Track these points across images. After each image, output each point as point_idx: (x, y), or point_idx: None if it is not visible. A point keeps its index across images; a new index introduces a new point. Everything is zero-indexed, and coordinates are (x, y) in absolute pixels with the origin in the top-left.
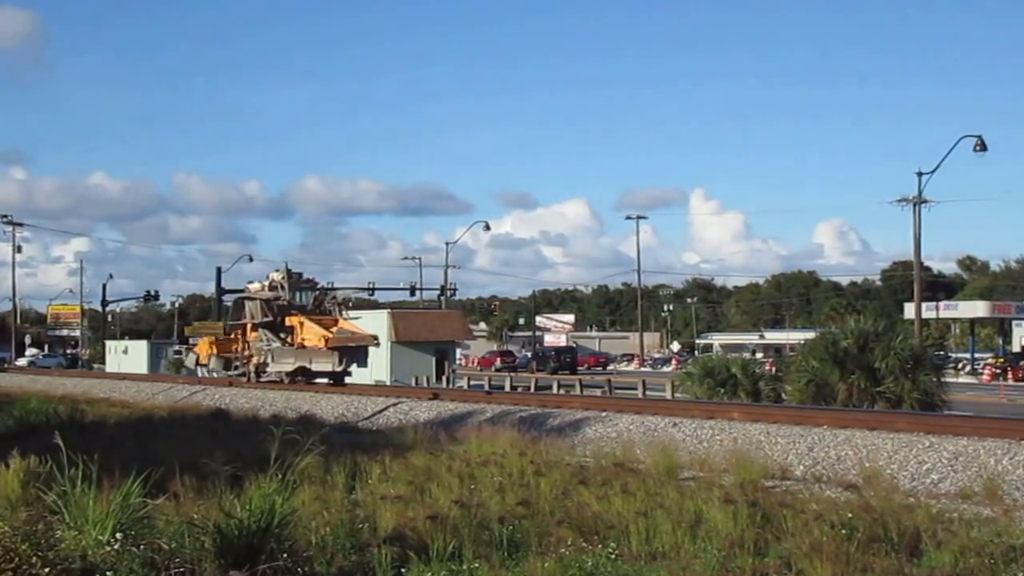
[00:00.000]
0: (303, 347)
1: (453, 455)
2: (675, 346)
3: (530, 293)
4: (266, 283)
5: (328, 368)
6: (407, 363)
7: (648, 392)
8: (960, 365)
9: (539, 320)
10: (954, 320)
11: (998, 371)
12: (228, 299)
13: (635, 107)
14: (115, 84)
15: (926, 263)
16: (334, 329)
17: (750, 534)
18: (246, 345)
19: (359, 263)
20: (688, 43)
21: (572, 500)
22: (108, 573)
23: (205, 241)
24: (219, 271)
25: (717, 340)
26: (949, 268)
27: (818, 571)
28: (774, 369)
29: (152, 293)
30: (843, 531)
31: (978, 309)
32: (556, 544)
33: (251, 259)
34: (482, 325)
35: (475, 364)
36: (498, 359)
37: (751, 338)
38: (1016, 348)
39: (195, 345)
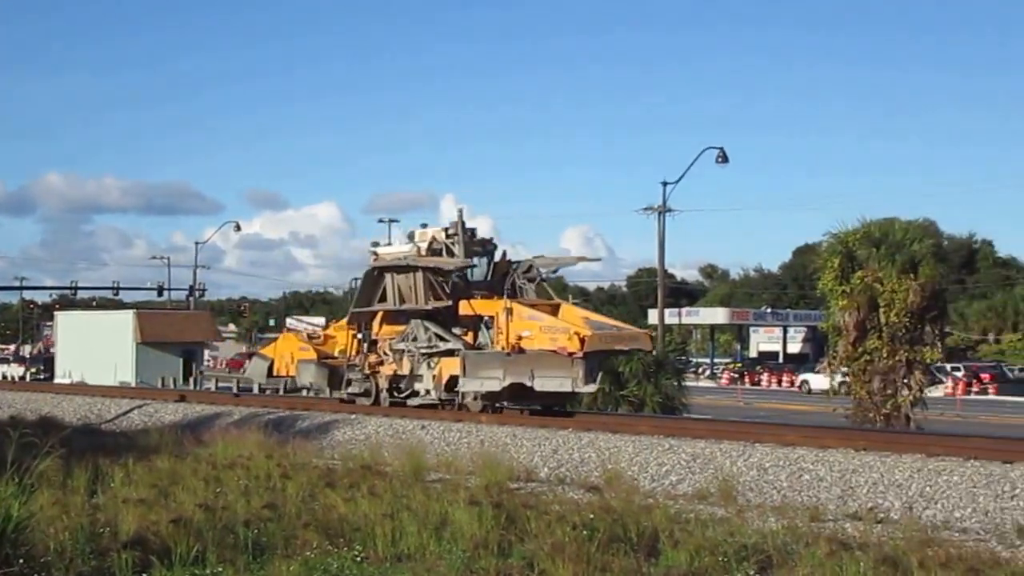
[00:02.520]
0: (520, 350)
1: (199, 458)
2: (260, 348)
3: (281, 294)
4: (415, 244)
5: (564, 386)
6: (153, 364)
7: None
8: (700, 369)
9: (290, 322)
10: (696, 326)
11: (736, 375)
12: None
13: (384, 111)
14: None
15: (670, 270)
16: (572, 320)
17: (494, 535)
18: (368, 347)
19: (104, 262)
20: (433, 48)
21: (319, 503)
22: None
23: None
24: None
25: None
26: (691, 275)
27: (560, 571)
28: None
29: None
30: (585, 532)
31: (718, 316)
32: (302, 547)
33: None
34: (231, 326)
35: (224, 366)
36: (247, 361)
37: None
38: (754, 353)
39: (265, 346)
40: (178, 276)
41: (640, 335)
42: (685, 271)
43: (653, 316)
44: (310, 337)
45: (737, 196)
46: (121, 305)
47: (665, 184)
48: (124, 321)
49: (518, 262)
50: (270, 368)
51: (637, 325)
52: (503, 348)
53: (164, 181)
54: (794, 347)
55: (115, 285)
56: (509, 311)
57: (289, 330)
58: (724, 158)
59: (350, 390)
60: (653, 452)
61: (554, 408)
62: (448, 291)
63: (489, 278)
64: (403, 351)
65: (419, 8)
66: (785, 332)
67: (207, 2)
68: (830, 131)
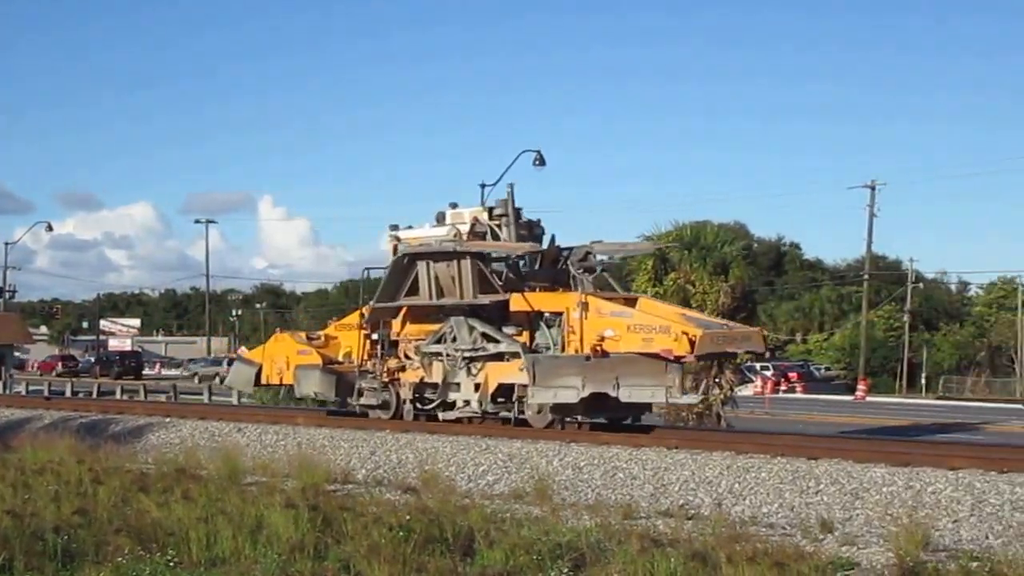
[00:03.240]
0: (603, 354)
1: (7, 463)
2: (243, 351)
3: (94, 296)
4: (452, 227)
5: (657, 396)
6: None
7: (215, 397)
8: None
9: (103, 324)
10: None
11: None
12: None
13: (204, 110)
14: None
15: None
16: (665, 315)
17: (311, 538)
18: (388, 350)
19: None
20: (250, 48)
21: (132, 507)
22: None
23: None
24: None
25: None
26: None
27: (375, 573)
28: None
29: None
30: (401, 533)
31: None
32: (113, 553)
33: None
34: (43, 329)
35: (35, 369)
36: (59, 364)
37: None
38: None
39: (250, 348)
40: None
41: (752, 334)
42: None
43: None
44: (309, 338)
45: (555, 199)
46: None
47: (483, 186)
48: None
49: (570, 248)
50: (257, 375)
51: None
52: (577, 351)
53: None
54: None
55: None
56: (584, 306)
57: (283, 330)
58: (541, 161)
59: (363, 401)
60: (470, 452)
61: (628, 422)
62: (501, 283)
63: (537, 267)
64: (434, 354)
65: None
66: None
67: None
68: (647, 138)
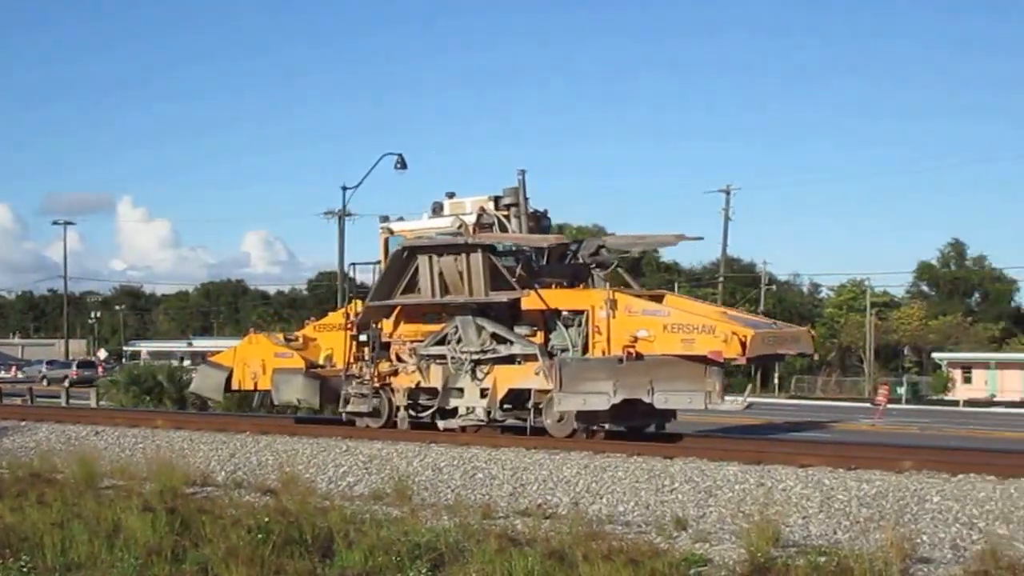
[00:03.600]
0: (637, 356)
1: None
2: (102, 353)
3: None
4: (457, 218)
5: (695, 402)
6: None
7: (73, 401)
8: None
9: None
10: None
11: None
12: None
13: (61, 107)
14: None
15: (350, 274)
16: (705, 313)
17: (168, 541)
18: (378, 352)
19: None
20: (110, 43)
21: None
22: None
23: None
24: None
25: (145, 348)
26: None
27: (234, 575)
28: None
29: None
30: (260, 535)
31: None
32: None
33: None
34: None
35: None
36: None
37: (179, 346)
38: None
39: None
40: None
41: (801, 334)
42: (365, 275)
43: None
44: (287, 340)
45: (417, 201)
46: None
47: (345, 188)
48: None
49: (579, 242)
50: (228, 380)
51: None
52: (604, 352)
53: None
54: None
55: None
56: (613, 304)
57: (257, 331)
58: (403, 164)
59: (350, 409)
60: (331, 454)
61: (652, 430)
62: (515, 279)
63: (545, 262)
64: (434, 357)
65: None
66: None
67: None
68: (496, 140)
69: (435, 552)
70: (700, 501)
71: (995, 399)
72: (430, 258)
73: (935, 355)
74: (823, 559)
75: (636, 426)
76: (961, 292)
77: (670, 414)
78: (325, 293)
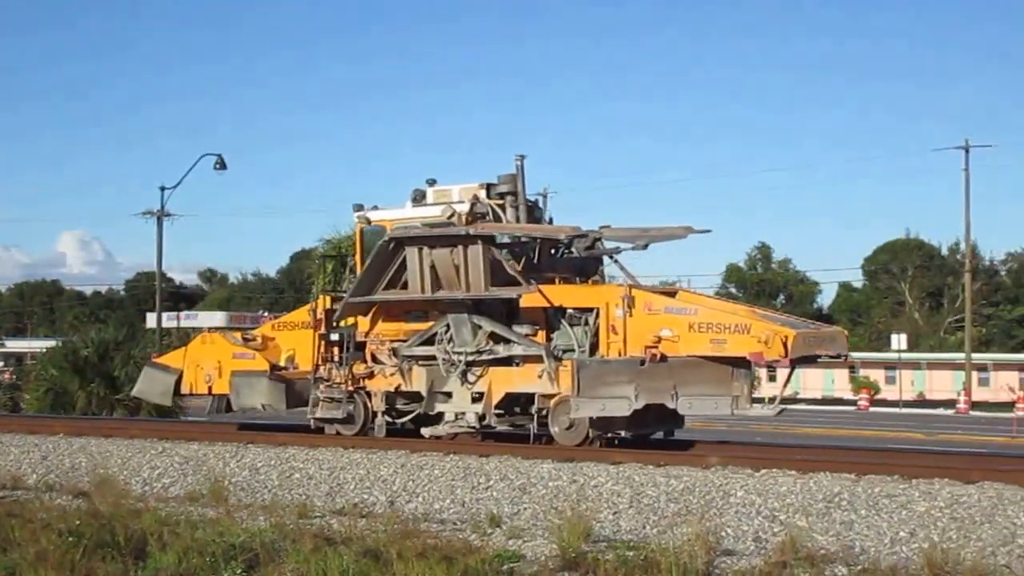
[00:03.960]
0: (661, 358)
1: None
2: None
3: None
4: (448, 207)
5: (721, 408)
6: None
7: None
8: None
9: None
10: (194, 329)
11: None
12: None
13: None
14: None
15: (169, 274)
16: (735, 312)
17: None
18: (351, 352)
19: None
20: None
21: None
22: None
23: None
24: None
25: None
26: (191, 280)
27: None
28: (14, 377)
29: None
30: (71, 538)
31: (216, 319)
32: None
33: None
34: None
35: None
36: None
37: None
38: None
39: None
40: None
41: (837, 334)
42: (184, 275)
43: (151, 320)
44: (245, 339)
45: (238, 201)
46: None
47: (163, 189)
48: None
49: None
50: (177, 383)
51: (133, 329)
52: (620, 353)
53: None
54: None
55: None
56: (630, 301)
57: (212, 329)
58: (222, 164)
59: (320, 414)
60: (146, 455)
61: (658, 436)
62: (517, 274)
63: (537, 257)
64: (419, 358)
65: None
66: None
67: None
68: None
69: (250, 553)
70: (514, 498)
71: (798, 396)
72: (420, 250)
73: None
74: (632, 553)
75: (644, 434)
76: (767, 293)
77: (680, 420)
78: (143, 294)
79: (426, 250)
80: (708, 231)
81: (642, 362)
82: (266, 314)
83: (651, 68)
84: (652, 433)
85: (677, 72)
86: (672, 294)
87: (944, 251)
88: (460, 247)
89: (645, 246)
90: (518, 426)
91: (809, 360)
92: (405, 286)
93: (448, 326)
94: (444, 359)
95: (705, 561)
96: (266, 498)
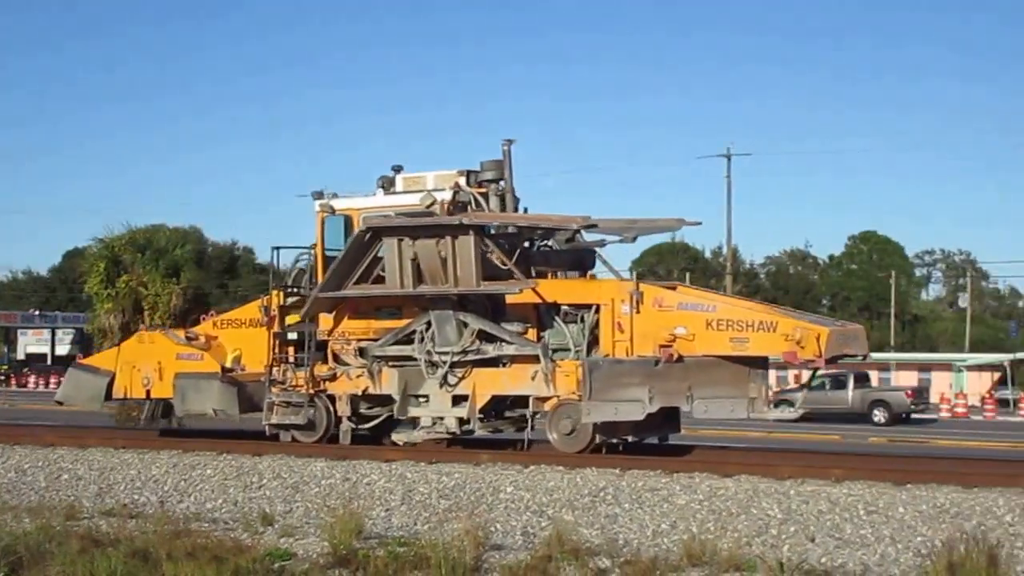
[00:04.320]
0: (677, 359)
1: None
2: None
3: None
4: (428, 194)
5: (738, 411)
6: None
7: None
8: None
9: None
10: None
11: (2, 377)
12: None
13: None
14: None
15: None
16: (751, 307)
17: None
18: (311, 352)
19: None
20: None
21: None
22: None
23: None
24: None
25: None
26: None
27: None
28: None
29: None
30: None
31: None
32: None
33: None
34: None
35: None
36: None
37: None
38: (21, 356)
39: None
40: None
41: (860, 332)
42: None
43: None
44: (188, 339)
45: (6, 199)
46: None
47: None
48: None
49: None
50: (109, 387)
51: None
52: (628, 353)
53: None
54: (63, 349)
55: None
56: (638, 297)
57: (152, 327)
58: None
59: (275, 420)
60: None
61: (654, 440)
62: (512, 266)
63: (529, 250)
64: (392, 358)
65: None
66: (54, 334)
67: None
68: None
69: (14, 556)
70: (287, 497)
71: None
72: (400, 241)
73: None
74: (402, 549)
75: (642, 438)
76: None
77: (677, 425)
78: None
79: (407, 241)
80: (699, 223)
81: (656, 362)
82: (38, 312)
83: None
84: (648, 438)
85: None
86: (672, 289)
87: (708, 254)
88: (448, 238)
89: (634, 239)
90: (501, 430)
91: (840, 359)
92: (379, 280)
93: (429, 323)
94: (425, 359)
95: (474, 556)
96: (32, 500)
